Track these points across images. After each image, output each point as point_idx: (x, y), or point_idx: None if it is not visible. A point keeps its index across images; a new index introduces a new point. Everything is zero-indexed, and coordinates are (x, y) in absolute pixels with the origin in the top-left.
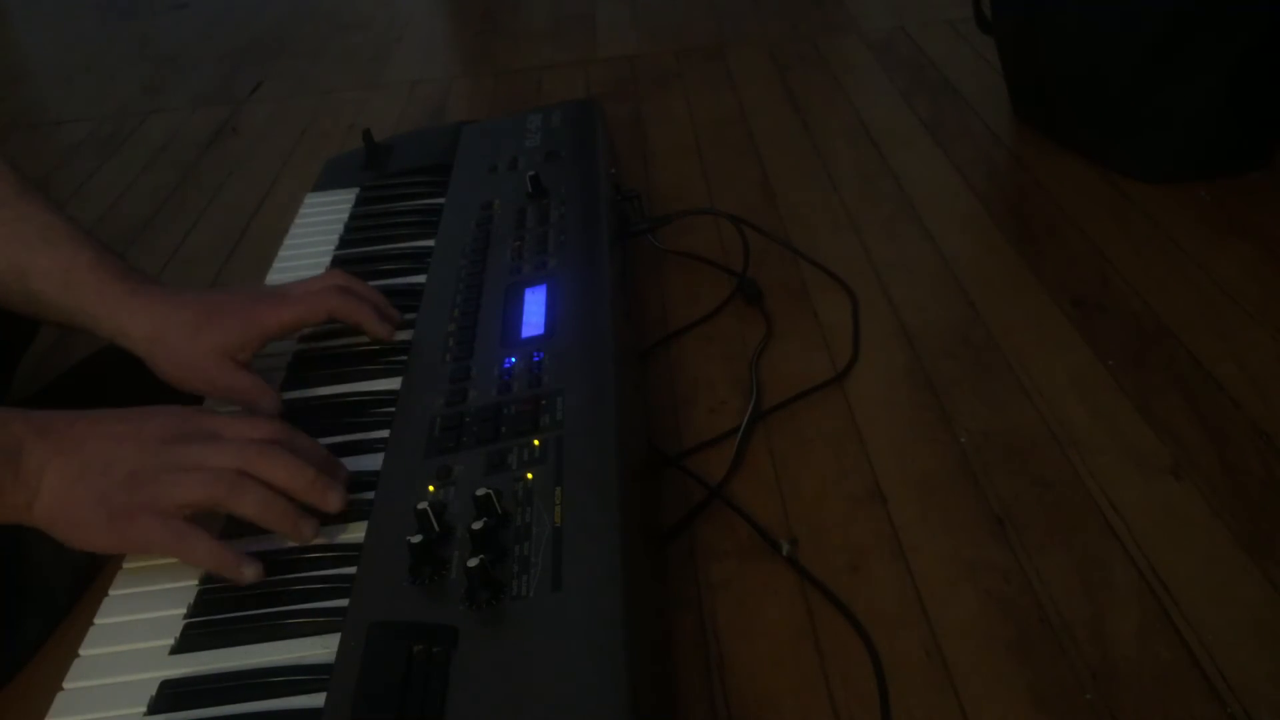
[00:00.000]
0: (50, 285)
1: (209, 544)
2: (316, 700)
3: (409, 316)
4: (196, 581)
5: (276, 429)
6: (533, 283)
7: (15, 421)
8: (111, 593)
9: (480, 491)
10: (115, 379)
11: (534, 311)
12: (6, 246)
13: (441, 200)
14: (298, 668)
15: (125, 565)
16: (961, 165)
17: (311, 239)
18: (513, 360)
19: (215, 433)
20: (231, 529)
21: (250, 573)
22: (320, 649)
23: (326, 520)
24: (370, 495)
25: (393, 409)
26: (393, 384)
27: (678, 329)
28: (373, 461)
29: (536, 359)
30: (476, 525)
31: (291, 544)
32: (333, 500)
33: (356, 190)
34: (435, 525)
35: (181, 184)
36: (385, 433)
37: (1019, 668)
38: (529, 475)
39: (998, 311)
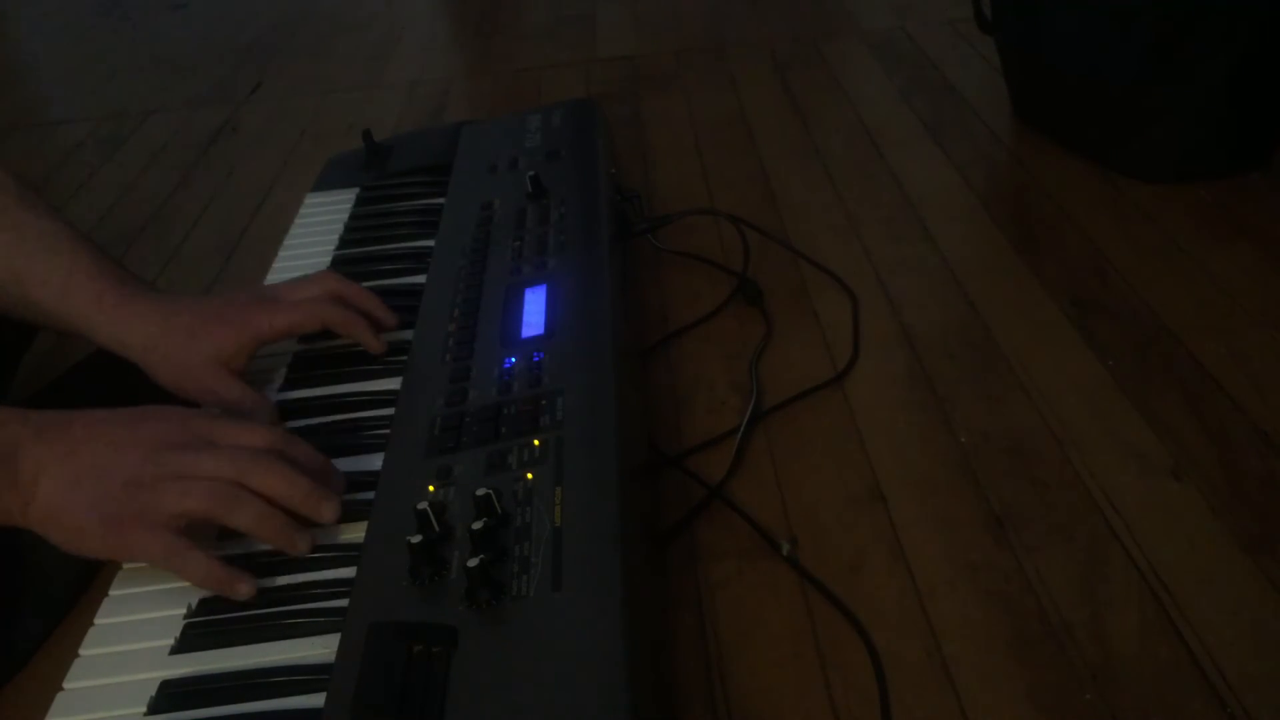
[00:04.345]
0: (48, 294)
1: (203, 561)
2: (316, 700)
3: (409, 316)
4: None
5: (273, 436)
6: (532, 283)
7: (13, 422)
8: (111, 593)
9: (480, 491)
10: (114, 379)
11: (534, 311)
12: (6, 254)
13: (441, 200)
14: (298, 668)
15: (125, 565)
16: (961, 165)
17: (311, 239)
18: (513, 360)
19: (212, 439)
20: (227, 532)
21: (244, 589)
22: (320, 649)
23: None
24: (370, 495)
25: (393, 409)
26: (393, 384)
27: (678, 329)
28: (373, 461)
29: (536, 359)
30: (476, 525)
31: None
32: (327, 512)
33: (356, 190)
34: (435, 525)
35: (181, 184)
36: (385, 433)
37: (1019, 668)
38: (529, 475)
39: (998, 311)
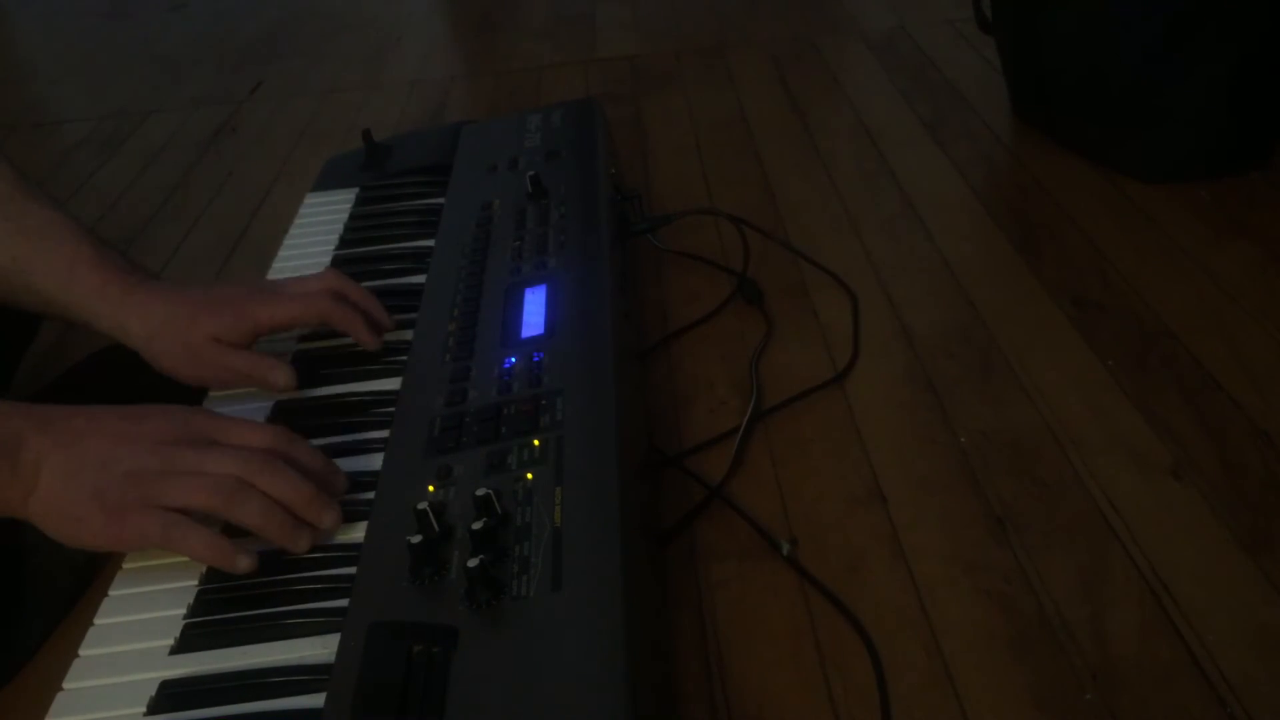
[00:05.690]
0: (52, 282)
1: (204, 535)
2: (316, 700)
3: (409, 316)
4: (196, 581)
5: (277, 437)
6: (533, 283)
7: (15, 415)
8: (111, 593)
9: (480, 491)
10: (115, 379)
11: (534, 311)
12: (9, 242)
13: (441, 200)
14: (298, 668)
15: (125, 565)
16: (961, 165)
17: (311, 239)
18: (513, 360)
19: (216, 438)
20: (225, 532)
21: (244, 563)
22: (320, 649)
23: None
24: (370, 495)
25: (393, 409)
26: (393, 384)
27: (678, 329)
28: (373, 461)
29: (536, 359)
30: (476, 525)
31: None
32: (328, 519)
33: (356, 190)
34: (435, 525)
35: (181, 184)
36: (385, 433)
37: (1019, 668)
38: (529, 475)
39: (998, 311)
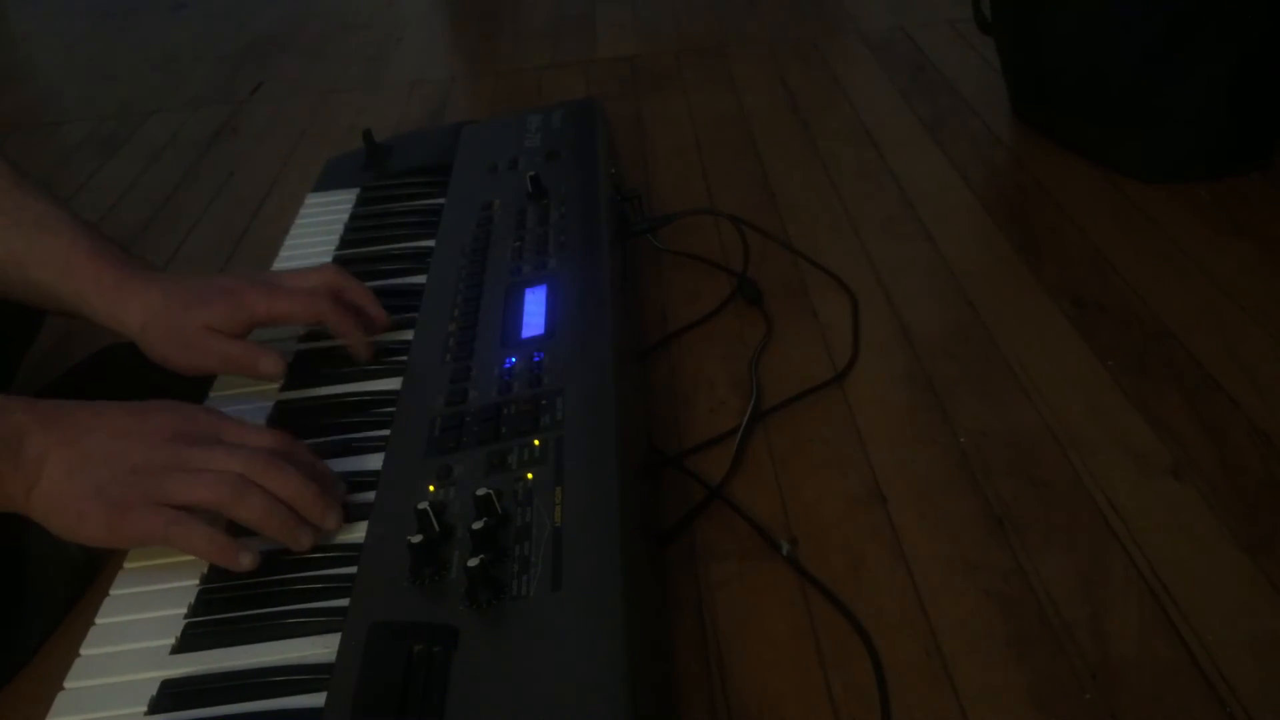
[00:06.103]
0: (48, 273)
1: (206, 532)
2: (316, 700)
3: (409, 316)
4: (197, 581)
5: (280, 439)
6: (533, 283)
7: (19, 410)
8: (112, 593)
9: (480, 491)
10: (115, 380)
11: (534, 311)
12: (5, 235)
13: (441, 200)
14: (298, 668)
15: (126, 565)
16: (961, 165)
17: (312, 239)
18: (513, 360)
19: (219, 436)
20: (228, 530)
21: (246, 560)
22: (320, 649)
23: None
24: (370, 495)
25: (393, 409)
26: (393, 384)
27: (678, 329)
28: (373, 461)
29: (536, 359)
30: (476, 525)
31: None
32: (331, 519)
33: (357, 190)
34: (435, 525)
35: (181, 184)
36: (385, 433)
37: (1019, 668)
38: (529, 475)
39: (998, 311)
